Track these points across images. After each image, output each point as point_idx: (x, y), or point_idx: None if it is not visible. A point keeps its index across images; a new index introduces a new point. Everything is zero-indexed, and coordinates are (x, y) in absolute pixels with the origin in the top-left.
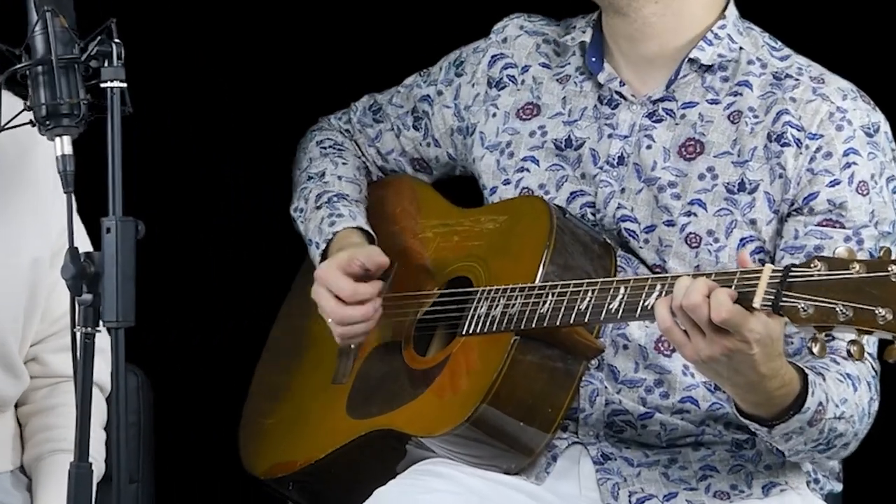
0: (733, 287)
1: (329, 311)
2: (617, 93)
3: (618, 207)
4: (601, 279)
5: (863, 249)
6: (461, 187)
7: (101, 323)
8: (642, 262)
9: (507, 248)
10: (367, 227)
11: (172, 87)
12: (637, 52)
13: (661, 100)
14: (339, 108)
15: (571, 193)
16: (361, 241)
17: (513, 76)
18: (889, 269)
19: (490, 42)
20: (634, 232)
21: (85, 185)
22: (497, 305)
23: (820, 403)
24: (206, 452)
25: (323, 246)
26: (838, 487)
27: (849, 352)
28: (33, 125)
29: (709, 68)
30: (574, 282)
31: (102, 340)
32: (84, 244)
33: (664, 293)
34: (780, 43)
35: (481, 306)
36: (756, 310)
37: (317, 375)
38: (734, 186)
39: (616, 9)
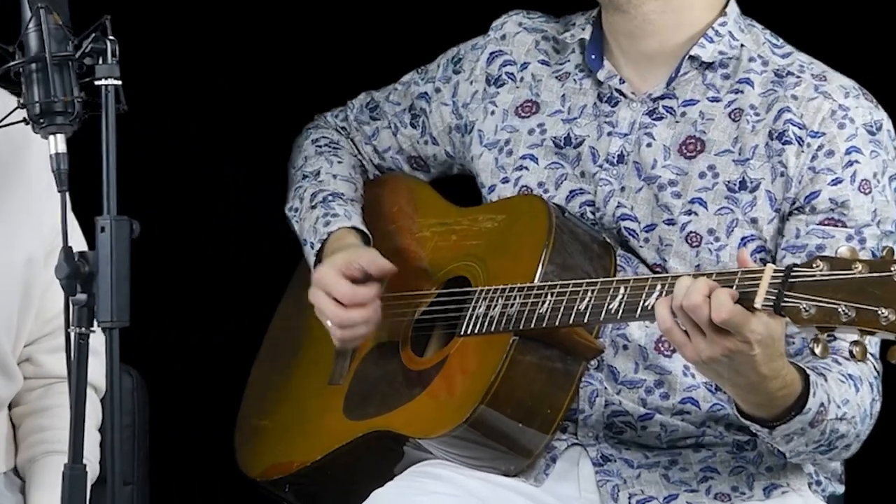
0: (734, 287)
1: (328, 315)
2: (617, 90)
3: (617, 206)
4: (601, 279)
5: (865, 249)
6: (459, 186)
7: (95, 323)
8: (642, 261)
9: (505, 248)
10: (362, 227)
11: (173, 86)
12: (637, 49)
13: (662, 97)
14: (340, 107)
15: (571, 192)
16: (357, 241)
17: (512, 73)
18: (892, 269)
19: (488, 39)
20: (634, 231)
21: (81, 184)
22: (495, 305)
23: (821, 404)
24: (202, 454)
25: (318, 246)
26: (840, 489)
27: (851, 352)
28: (27, 123)
29: (710, 66)
30: (573, 282)
31: (97, 341)
32: (79, 243)
33: (664, 293)
34: (781, 40)
35: (479, 306)
36: (757, 310)
37: (313, 376)
38: (735, 185)
39: (616, 6)
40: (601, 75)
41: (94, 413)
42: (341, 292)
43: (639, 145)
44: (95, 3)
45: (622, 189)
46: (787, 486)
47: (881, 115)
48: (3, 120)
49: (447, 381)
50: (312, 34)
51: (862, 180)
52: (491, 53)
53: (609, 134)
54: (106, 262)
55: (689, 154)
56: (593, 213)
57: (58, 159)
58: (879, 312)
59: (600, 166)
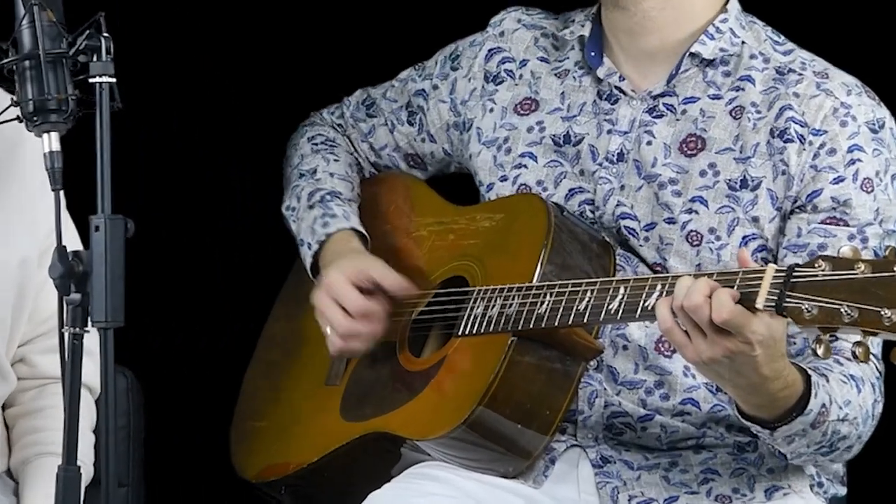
0: (735, 287)
1: (334, 323)
2: (616, 88)
3: (617, 205)
4: (600, 279)
5: (867, 248)
6: (456, 184)
7: (89, 323)
8: (642, 260)
9: (503, 247)
10: (360, 229)
11: (179, 90)
12: (637, 46)
13: (662, 95)
14: (336, 104)
15: (570, 190)
16: (360, 245)
17: (510, 71)
18: (895, 268)
19: (487, 35)
20: (634, 230)
21: (77, 183)
22: (494, 306)
23: (823, 405)
24: (199, 455)
25: (315, 248)
26: (842, 491)
27: (854, 353)
28: (20, 121)
29: (710, 63)
30: (572, 281)
31: (91, 341)
32: (74, 243)
33: (665, 293)
34: (783, 37)
35: (477, 306)
36: (759, 311)
37: (309, 377)
38: (736, 183)
39: (615, 2)
40: (601, 72)
41: (88, 414)
42: (352, 303)
43: (639, 143)
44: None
45: (622, 187)
46: (788, 488)
47: (884, 113)
48: None
49: (445, 382)
50: (317, 37)
51: (864, 179)
52: (489, 50)
53: (609, 132)
54: (100, 262)
55: (689, 152)
56: (592, 212)
57: (51, 158)
58: (882, 313)
59: (600, 164)
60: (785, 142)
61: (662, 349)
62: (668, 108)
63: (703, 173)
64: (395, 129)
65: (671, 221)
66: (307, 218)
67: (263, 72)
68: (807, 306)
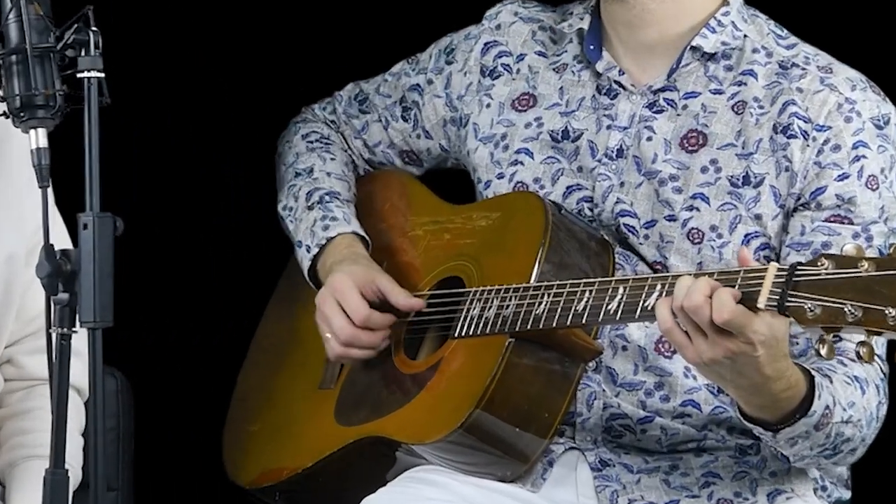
0: (736, 287)
1: (335, 327)
2: (616, 82)
3: (617, 202)
4: (599, 279)
5: (872, 246)
6: (452, 181)
7: (77, 323)
8: (642, 259)
9: (500, 247)
10: (361, 232)
11: (173, 86)
12: (636, 39)
13: (662, 89)
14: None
15: (567, 188)
16: (363, 251)
17: (507, 65)
18: None
19: (482, 28)
20: (634, 228)
21: (68, 180)
22: (490, 306)
23: (827, 407)
24: (190, 458)
25: (315, 251)
26: (846, 495)
27: (858, 353)
28: (7, 117)
29: (712, 57)
30: (571, 281)
31: (80, 342)
32: (63, 241)
33: (664, 293)
34: (786, 31)
35: (474, 307)
36: (760, 310)
37: (303, 380)
38: (738, 180)
39: None
40: (600, 66)
41: (77, 416)
42: (357, 311)
43: (639, 139)
44: None
45: (621, 184)
46: (791, 492)
47: (889, 109)
48: None
49: (441, 384)
50: (311, 32)
51: (869, 176)
52: (485, 44)
53: (608, 127)
54: (89, 260)
55: (690, 148)
56: (591, 210)
57: (39, 154)
58: (887, 312)
59: (599, 161)
60: (788, 138)
61: (662, 350)
62: (668, 103)
63: (704, 170)
64: (390, 126)
65: (672, 219)
66: (306, 219)
67: (257, 68)
68: (810, 306)
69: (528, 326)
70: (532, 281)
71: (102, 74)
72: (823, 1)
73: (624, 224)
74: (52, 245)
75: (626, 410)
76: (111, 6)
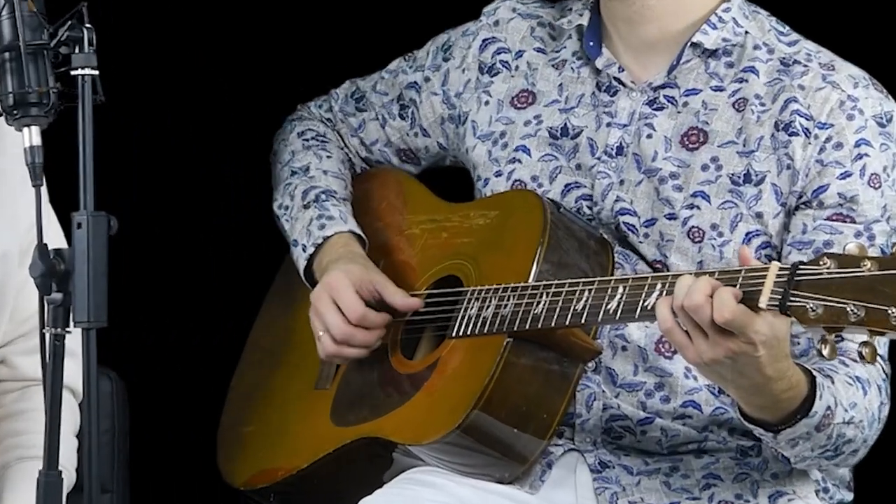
0: (738, 286)
1: (330, 324)
2: (616, 79)
3: (616, 200)
4: (598, 278)
5: (874, 245)
6: (450, 179)
7: (71, 324)
8: (642, 257)
9: (498, 246)
10: (358, 231)
11: (173, 86)
12: (636, 36)
13: (663, 86)
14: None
15: (566, 186)
16: (360, 250)
17: (506, 62)
18: None
19: (481, 25)
20: (634, 226)
21: (65, 179)
22: (488, 306)
23: (828, 407)
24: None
25: (311, 250)
26: (849, 497)
27: (860, 354)
28: (0, 115)
29: (713, 53)
30: (570, 281)
31: (75, 342)
32: (59, 241)
33: (664, 293)
34: (787, 27)
35: (472, 307)
36: (762, 310)
37: (298, 380)
38: (739, 178)
39: None
40: (600, 63)
41: (71, 418)
42: (352, 309)
43: (638, 136)
44: None
45: (621, 182)
46: (793, 494)
47: (892, 106)
48: None
49: (438, 385)
50: (310, 32)
51: (871, 174)
52: (483, 40)
53: (608, 125)
54: (83, 260)
55: (691, 146)
56: (590, 208)
57: (32, 152)
58: (889, 312)
59: (598, 158)
60: (790, 135)
61: (663, 350)
62: (668, 101)
63: (705, 167)
64: (387, 124)
65: (672, 217)
66: (302, 218)
67: (257, 68)
68: (812, 305)
69: (527, 326)
70: (530, 280)
71: (96, 72)
72: None
73: (623, 222)
74: (45, 244)
75: (626, 411)
76: (111, 6)
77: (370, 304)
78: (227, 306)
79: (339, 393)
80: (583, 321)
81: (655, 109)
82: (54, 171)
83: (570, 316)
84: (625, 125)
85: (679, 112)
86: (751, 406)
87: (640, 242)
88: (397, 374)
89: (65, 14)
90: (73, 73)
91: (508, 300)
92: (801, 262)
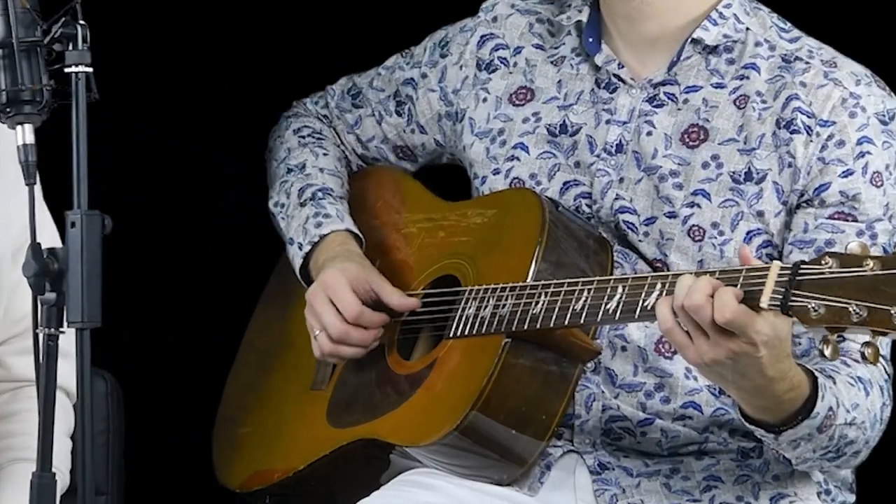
0: (738, 286)
1: (326, 323)
2: (615, 76)
3: (616, 198)
4: (597, 278)
5: (876, 244)
6: (447, 177)
7: (65, 324)
8: (641, 256)
9: (496, 245)
10: (355, 230)
11: (173, 86)
12: (636, 32)
13: (663, 83)
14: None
15: (565, 183)
16: (357, 248)
17: (504, 58)
18: None
19: (478, 21)
20: (633, 224)
21: (57, 178)
22: (486, 306)
23: (830, 408)
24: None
25: (307, 248)
26: (851, 499)
27: (862, 354)
28: None
29: (713, 50)
30: (568, 280)
31: (69, 342)
32: (53, 240)
33: (665, 292)
34: (789, 24)
35: (469, 307)
36: (763, 310)
37: (294, 381)
38: (740, 176)
39: None
40: (599, 60)
41: (65, 419)
42: (349, 308)
43: (638, 134)
44: None
45: (621, 180)
46: (794, 496)
47: (894, 104)
48: None
49: (436, 385)
50: (312, 34)
51: (874, 172)
52: (482, 37)
53: (607, 122)
54: (76, 260)
55: (691, 143)
56: (589, 206)
57: (25, 151)
58: (892, 312)
59: (597, 156)
60: (791, 133)
61: (663, 350)
62: (669, 97)
63: (705, 165)
64: (383, 120)
65: (672, 215)
66: (298, 216)
67: (257, 68)
68: (813, 305)
69: (525, 326)
70: (529, 280)
71: (90, 69)
72: None
73: (623, 220)
74: (39, 243)
75: (626, 412)
76: (111, 6)
77: (367, 304)
78: (227, 306)
79: (335, 394)
80: (582, 321)
81: (655, 106)
82: (48, 169)
83: (568, 316)
84: (624, 122)
85: (679, 109)
86: (752, 407)
87: (640, 241)
88: (394, 375)
89: (58, 11)
90: (66, 70)
91: (506, 300)
92: (803, 262)
